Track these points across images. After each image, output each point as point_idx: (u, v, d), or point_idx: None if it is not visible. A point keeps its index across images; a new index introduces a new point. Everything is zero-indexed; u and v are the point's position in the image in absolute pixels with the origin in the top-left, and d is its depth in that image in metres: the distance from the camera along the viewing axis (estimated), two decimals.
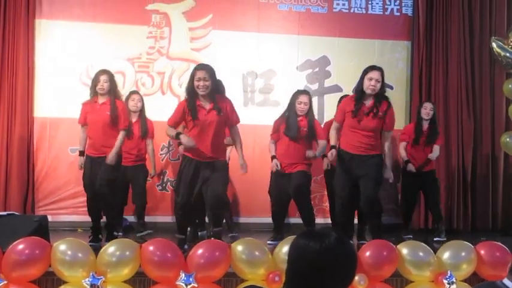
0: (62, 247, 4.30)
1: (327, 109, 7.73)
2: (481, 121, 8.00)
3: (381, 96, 5.71)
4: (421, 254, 4.56)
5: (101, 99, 6.04)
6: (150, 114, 7.05)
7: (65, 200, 7.28)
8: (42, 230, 5.07)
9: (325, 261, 1.95)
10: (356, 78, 7.67)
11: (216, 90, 5.57)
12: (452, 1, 8.02)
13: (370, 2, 8.04)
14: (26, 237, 4.44)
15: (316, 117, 7.52)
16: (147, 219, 7.05)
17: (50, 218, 6.13)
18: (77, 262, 4.27)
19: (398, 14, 8.09)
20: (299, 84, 7.66)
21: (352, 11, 8.01)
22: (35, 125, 7.29)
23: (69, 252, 4.28)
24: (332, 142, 5.91)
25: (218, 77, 7.31)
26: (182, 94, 7.47)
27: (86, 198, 6.19)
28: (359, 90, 5.75)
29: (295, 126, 6.24)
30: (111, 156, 5.91)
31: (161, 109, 7.31)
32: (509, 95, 7.74)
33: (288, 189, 6.23)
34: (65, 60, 7.40)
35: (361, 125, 5.64)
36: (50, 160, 7.32)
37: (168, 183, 7.50)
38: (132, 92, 6.83)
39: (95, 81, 6.04)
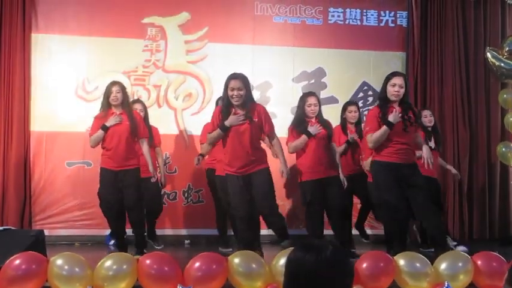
0: (58, 262, 4.28)
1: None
2: (477, 131, 8.03)
3: (405, 103, 5.57)
4: (418, 265, 4.54)
5: (116, 111, 5.98)
6: None
7: (62, 214, 7.26)
8: (39, 244, 5.05)
9: (322, 274, 1.95)
10: (352, 89, 7.83)
11: (250, 98, 5.56)
12: (447, 12, 8.07)
13: (365, 14, 8.08)
14: (22, 252, 4.42)
15: None
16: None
17: (46, 232, 6.11)
18: (74, 277, 4.24)
19: (393, 25, 8.14)
20: (295, 96, 7.66)
21: (347, 22, 8.05)
22: (31, 139, 7.28)
23: (66, 267, 4.26)
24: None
25: (214, 89, 7.41)
26: (179, 106, 7.56)
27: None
28: (382, 98, 5.60)
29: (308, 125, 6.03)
30: (153, 170, 6.04)
31: (158, 122, 7.33)
32: (504, 104, 7.79)
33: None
34: (61, 74, 7.41)
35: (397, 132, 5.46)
36: (46, 174, 7.30)
37: (165, 196, 7.48)
38: (135, 101, 6.78)
39: (107, 92, 5.99)
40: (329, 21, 7.99)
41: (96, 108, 7.26)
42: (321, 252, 1.96)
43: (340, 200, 6.02)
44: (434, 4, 8.08)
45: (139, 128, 6.00)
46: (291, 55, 7.87)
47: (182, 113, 7.60)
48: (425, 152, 5.58)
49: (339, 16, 8.02)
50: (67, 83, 7.41)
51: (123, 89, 6.04)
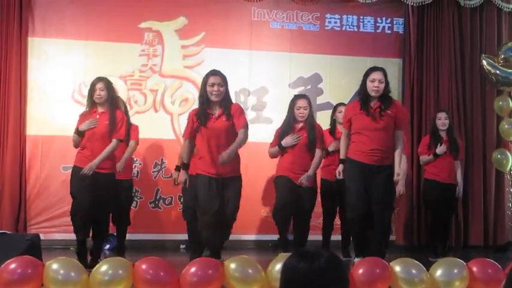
0: (54, 266, 4.26)
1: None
2: (472, 137, 8.05)
3: (386, 98, 5.47)
4: (413, 271, 4.54)
5: (100, 109, 5.74)
6: (143, 131, 7.05)
7: (58, 218, 7.23)
8: (34, 248, 5.03)
9: (317, 282, 1.94)
10: (348, 96, 7.83)
11: (229, 97, 5.55)
12: (443, 19, 8.10)
13: (361, 20, 8.11)
14: (17, 256, 4.40)
15: None
16: (140, 237, 7.06)
17: (42, 237, 6.09)
18: (69, 281, 4.22)
19: (390, 31, 8.17)
20: None
21: (343, 29, 8.07)
22: (27, 143, 7.27)
23: (61, 271, 4.23)
24: (342, 155, 5.65)
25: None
26: (175, 111, 7.56)
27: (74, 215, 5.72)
28: (362, 93, 5.49)
29: (291, 134, 6.03)
30: (91, 163, 5.54)
31: (154, 126, 7.36)
32: (499, 111, 7.83)
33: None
34: (58, 78, 7.41)
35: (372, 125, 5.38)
36: (42, 178, 7.29)
37: (161, 200, 7.48)
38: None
39: (91, 90, 5.74)
40: (326, 27, 8.01)
41: None
42: (315, 261, 1.96)
43: (307, 207, 6.06)
44: (430, 11, 8.11)
45: (116, 128, 5.69)
46: (287, 61, 7.89)
47: (178, 118, 7.59)
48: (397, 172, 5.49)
49: (335, 22, 8.04)
50: (63, 87, 7.41)
51: (108, 85, 5.75)
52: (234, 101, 7.55)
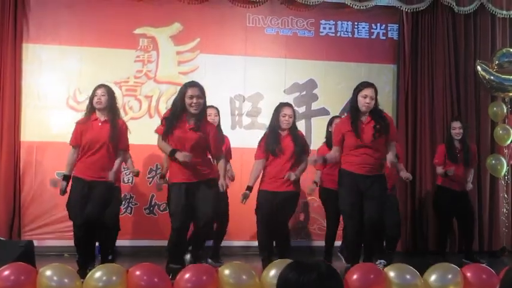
0: (48, 272, 4.25)
1: (314, 132, 7.77)
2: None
3: (376, 112, 5.57)
4: (408, 276, 4.54)
5: (101, 117, 5.71)
6: (138, 137, 7.04)
7: (52, 224, 7.22)
8: (28, 255, 5.02)
9: None
10: (343, 101, 7.84)
11: (205, 109, 5.53)
12: (437, 25, 8.13)
13: (356, 26, 8.12)
14: (11, 263, 4.39)
15: None
16: (135, 243, 7.04)
17: (36, 243, 6.08)
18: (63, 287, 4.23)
19: (384, 38, 8.18)
20: None
21: (338, 35, 8.09)
22: (21, 149, 7.25)
23: (55, 278, 4.23)
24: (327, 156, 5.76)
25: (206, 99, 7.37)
26: None
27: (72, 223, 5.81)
28: (353, 108, 5.60)
29: (277, 142, 6.00)
30: (113, 174, 5.65)
31: (149, 133, 7.29)
32: (494, 117, 7.85)
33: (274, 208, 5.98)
34: (52, 84, 7.41)
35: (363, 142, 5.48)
36: (36, 184, 7.27)
37: (156, 206, 7.48)
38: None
39: (92, 95, 5.73)
40: (320, 34, 8.03)
41: None
42: (306, 272, 1.96)
43: (284, 217, 6.07)
44: (425, 17, 8.13)
45: (120, 139, 5.74)
46: (282, 67, 7.89)
47: None
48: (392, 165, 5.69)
49: (330, 28, 8.06)
50: (58, 93, 7.41)
51: (109, 92, 5.76)
52: (228, 107, 7.67)
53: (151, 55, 7.64)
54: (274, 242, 6.14)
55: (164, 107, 7.58)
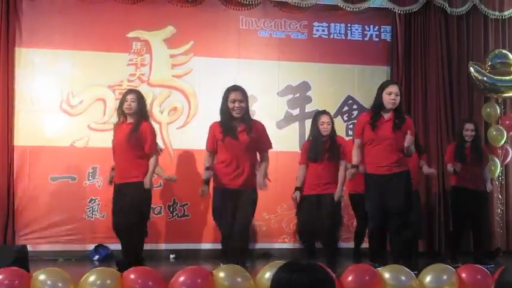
0: (41, 277, 4.24)
1: (308, 134, 7.72)
2: None
3: (399, 112, 5.69)
4: (403, 278, 4.54)
5: (129, 120, 5.88)
6: None
7: (46, 229, 7.18)
8: (22, 260, 5.00)
9: None
10: (337, 103, 7.86)
11: (248, 112, 5.57)
12: (430, 27, 8.14)
13: (349, 28, 8.13)
14: (5, 267, 4.37)
15: (297, 142, 7.63)
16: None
17: (30, 248, 6.08)
18: None
19: (377, 39, 8.19)
20: (280, 109, 7.76)
21: (331, 37, 8.09)
22: (15, 154, 7.21)
23: (49, 282, 4.22)
24: (354, 161, 5.84)
25: (199, 103, 7.42)
26: (164, 121, 7.54)
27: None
28: (377, 105, 5.71)
29: (319, 149, 6.19)
30: (145, 180, 5.75)
31: None
32: (487, 118, 7.87)
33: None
34: (45, 88, 7.38)
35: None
36: (30, 189, 7.23)
37: (150, 210, 7.44)
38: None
39: (122, 101, 5.89)
40: (314, 36, 8.03)
41: (79, 122, 7.32)
42: (297, 273, 1.96)
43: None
44: (417, 19, 8.15)
45: (145, 142, 5.81)
46: (275, 69, 7.89)
47: (167, 127, 7.58)
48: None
49: (323, 30, 8.06)
50: (51, 97, 7.38)
51: (139, 97, 5.93)
52: None
53: (144, 58, 7.63)
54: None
55: (158, 110, 7.58)
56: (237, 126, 5.50)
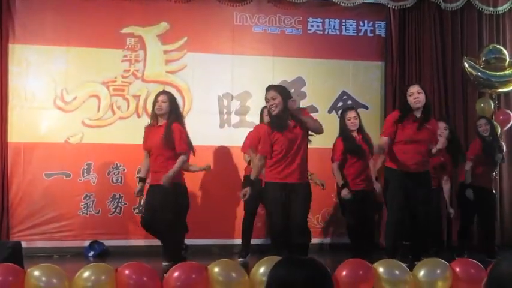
0: (36, 273, 4.23)
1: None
2: None
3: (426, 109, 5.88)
4: (397, 272, 4.56)
5: (161, 121, 6.00)
6: (126, 137, 7.04)
7: (41, 225, 7.17)
8: (16, 256, 4.98)
9: None
10: (331, 99, 7.87)
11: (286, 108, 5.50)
12: (424, 22, 8.16)
13: (343, 24, 8.13)
14: None
15: None
16: (125, 243, 7.04)
17: (25, 244, 6.06)
18: None
19: (372, 35, 8.19)
20: None
21: (326, 32, 8.09)
22: (9, 150, 7.18)
23: (43, 278, 4.21)
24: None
25: (193, 98, 7.40)
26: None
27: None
28: (404, 109, 5.88)
29: (356, 144, 6.39)
30: (165, 178, 5.80)
31: (137, 132, 7.29)
32: (481, 113, 7.86)
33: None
34: (39, 84, 7.36)
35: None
36: (24, 185, 7.21)
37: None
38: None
39: (154, 102, 6.04)
40: (308, 31, 8.03)
41: (74, 118, 7.31)
42: (300, 268, 1.97)
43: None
44: (412, 14, 8.16)
45: (175, 143, 5.89)
46: (270, 65, 7.89)
47: None
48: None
49: (318, 26, 8.06)
50: (45, 93, 7.36)
51: (171, 98, 6.05)
52: (217, 105, 7.65)
53: (138, 54, 7.61)
54: None
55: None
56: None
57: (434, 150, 5.89)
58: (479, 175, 7.00)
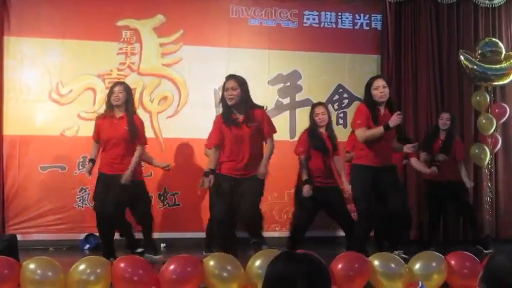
0: (31, 266, 4.22)
1: (299, 123, 7.74)
2: None
3: (390, 104, 5.76)
4: (392, 265, 4.57)
5: (118, 113, 5.93)
6: None
7: (36, 218, 7.17)
8: (12, 249, 4.99)
9: (293, 285, 1.95)
10: (327, 92, 7.85)
11: (247, 100, 5.46)
12: (421, 15, 8.15)
13: (339, 17, 8.12)
14: None
15: (287, 131, 7.62)
16: (119, 235, 7.02)
17: (20, 237, 6.06)
18: (47, 281, 4.19)
19: (368, 28, 8.19)
20: (270, 98, 7.71)
21: (322, 25, 8.08)
22: (4, 143, 7.18)
23: (38, 271, 4.20)
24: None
25: (189, 91, 7.38)
26: (154, 110, 7.52)
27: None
28: (369, 102, 5.70)
29: (321, 139, 6.30)
30: (126, 176, 5.80)
31: None
32: (477, 106, 7.88)
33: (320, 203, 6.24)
34: (35, 77, 7.35)
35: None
36: (20, 178, 7.20)
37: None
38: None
39: (110, 93, 5.96)
40: (304, 24, 8.01)
41: (69, 111, 7.28)
42: (300, 263, 1.97)
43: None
44: (408, 7, 8.15)
45: (136, 134, 5.90)
46: (266, 58, 7.88)
47: (157, 116, 7.56)
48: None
49: (314, 19, 8.05)
50: (40, 86, 7.34)
51: (126, 89, 5.98)
52: (212, 98, 7.63)
53: (134, 47, 7.59)
54: None
55: (148, 99, 7.55)
56: (238, 117, 5.44)
57: (408, 149, 5.91)
58: (442, 169, 7.01)
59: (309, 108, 7.02)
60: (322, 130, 6.36)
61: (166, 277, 4.29)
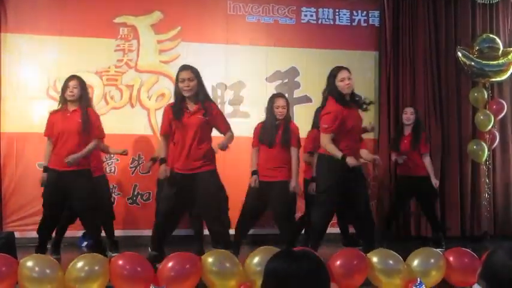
0: (29, 263, 4.22)
1: (297, 120, 7.70)
2: (448, 129, 8.10)
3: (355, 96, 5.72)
4: (391, 262, 4.57)
5: (71, 107, 5.82)
6: (119, 127, 7.01)
7: (34, 215, 7.11)
8: (9, 246, 4.99)
9: (292, 284, 1.95)
10: None
11: (203, 92, 5.43)
12: (418, 12, 8.14)
13: (337, 13, 8.11)
14: None
15: None
16: (119, 233, 7.00)
17: (18, 235, 6.05)
18: (45, 278, 4.19)
19: (366, 24, 8.18)
20: (268, 95, 7.64)
21: (320, 22, 8.07)
22: (1, 141, 7.17)
23: (36, 269, 4.20)
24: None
25: None
26: (152, 107, 7.51)
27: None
28: (336, 94, 5.54)
29: (271, 133, 6.05)
30: (72, 157, 5.64)
31: (130, 122, 7.32)
32: (475, 103, 7.89)
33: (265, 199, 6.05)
34: (32, 74, 7.33)
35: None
36: (17, 176, 7.20)
37: (139, 196, 7.44)
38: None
39: (64, 87, 5.83)
40: (302, 21, 8.00)
41: None
42: (300, 261, 1.97)
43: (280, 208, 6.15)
44: (406, 4, 8.14)
45: (92, 128, 5.82)
46: (264, 54, 7.87)
47: (155, 113, 7.53)
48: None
49: (311, 15, 8.04)
50: (38, 83, 7.33)
51: (81, 84, 5.86)
52: (210, 95, 7.58)
53: (131, 44, 7.57)
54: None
55: (146, 96, 7.55)
56: (190, 107, 5.38)
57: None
58: (410, 164, 7.05)
59: (307, 105, 7.07)
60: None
61: (164, 274, 4.30)
